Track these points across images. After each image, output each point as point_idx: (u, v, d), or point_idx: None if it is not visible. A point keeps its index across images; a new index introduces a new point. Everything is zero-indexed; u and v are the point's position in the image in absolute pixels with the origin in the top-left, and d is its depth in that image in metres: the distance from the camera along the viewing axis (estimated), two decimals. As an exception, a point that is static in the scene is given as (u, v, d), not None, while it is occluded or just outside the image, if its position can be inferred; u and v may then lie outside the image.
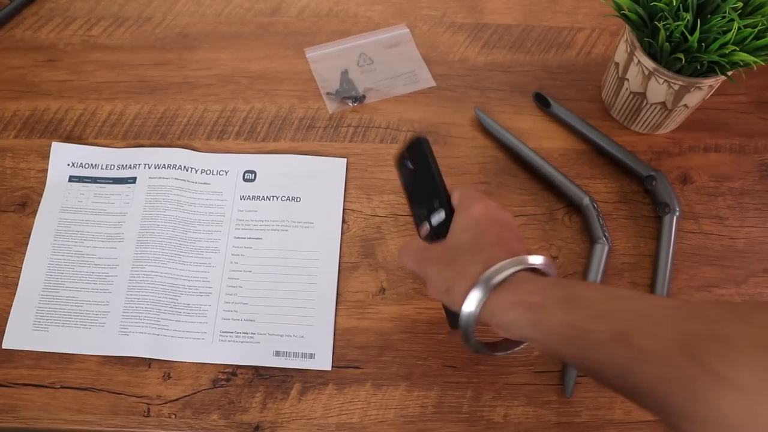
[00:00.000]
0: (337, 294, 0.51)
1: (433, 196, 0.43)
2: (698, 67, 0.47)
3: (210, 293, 0.51)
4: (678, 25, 0.45)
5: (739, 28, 0.44)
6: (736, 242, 0.53)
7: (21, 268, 0.52)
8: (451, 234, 0.39)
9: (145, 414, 0.47)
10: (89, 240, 0.53)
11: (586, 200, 0.53)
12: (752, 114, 0.59)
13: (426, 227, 0.43)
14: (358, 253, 0.53)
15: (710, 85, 0.50)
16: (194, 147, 0.57)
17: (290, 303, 0.51)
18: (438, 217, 0.42)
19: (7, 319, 0.50)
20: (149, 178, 0.55)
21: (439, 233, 0.41)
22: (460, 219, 0.40)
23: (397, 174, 0.46)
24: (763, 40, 0.45)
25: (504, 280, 0.35)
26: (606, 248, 0.51)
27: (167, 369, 0.49)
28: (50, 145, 0.57)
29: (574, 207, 0.54)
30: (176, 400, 0.47)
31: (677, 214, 0.52)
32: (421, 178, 0.44)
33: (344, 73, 0.61)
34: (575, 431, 0.47)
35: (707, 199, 0.55)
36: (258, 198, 0.55)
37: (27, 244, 0.53)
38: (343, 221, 0.53)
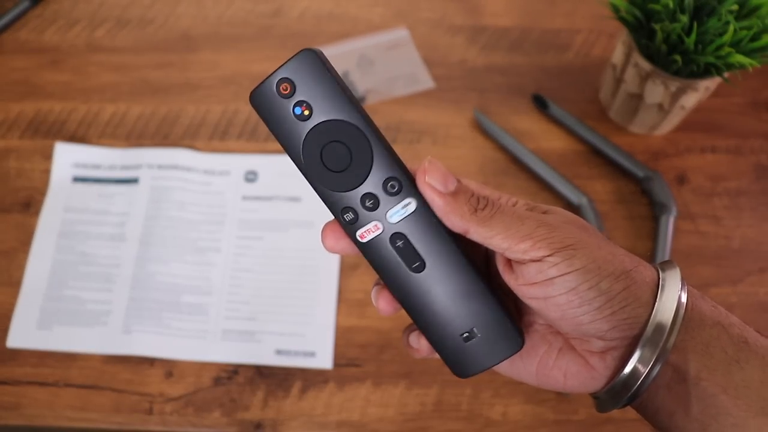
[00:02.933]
0: (338, 293, 0.52)
1: (377, 170, 0.26)
2: (695, 69, 0.48)
3: (212, 292, 0.52)
4: (675, 27, 0.46)
5: (735, 30, 0.45)
6: (732, 242, 0.53)
7: (25, 267, 0.52)
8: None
9: (148, 412, 0.47)
10: (92, 239, 0.53)
11: (583, 200, 0.53)
12: (748, 115, 0.59)
13: (372, 228, 0.27)
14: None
15: (707, 87, 0.51)
16: (196, 148, 0.58)
17: (291, 302, 0.51)
18: (401, 210, 0.26)
19: (11, 318, 0.50)
20: (152, 178, 0.56)
21: (405, 239, 0.27)
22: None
23: (267, 125, 0.26)
24: (758, 42, 0.46)
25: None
26: (603, 248, 0.52)
27: (169, 367, 0.49)
28: (54, 146, 0.57)
29: (572, 207, 0.54)
30: (178, 398, 0.48)
31: (674, 214, 0.53)
32: (339, 137, 0.26)
33: (344, 75, 0.62)
34: (573, 429, 0.47)
35: (703, 200, 0.55)
36: (259, 198, 0.55)
37: (31, 243, 0.53)
38: (344, 221, 0.54)
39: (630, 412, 0.48)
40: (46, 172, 0.57)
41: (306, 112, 0.26)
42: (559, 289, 0.25)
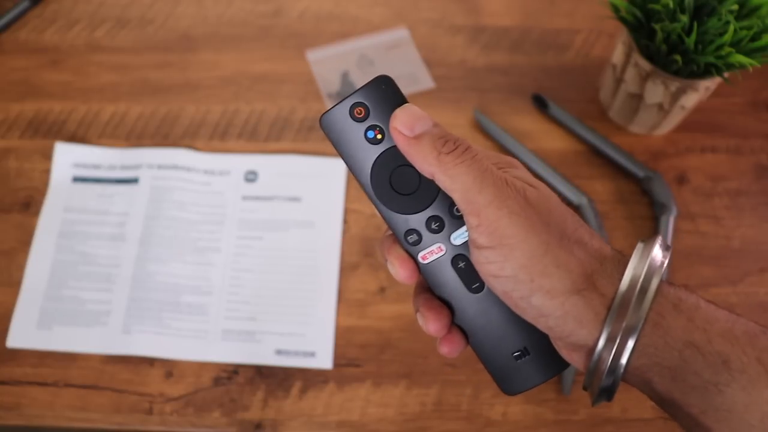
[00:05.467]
0: (338, 293, 0.52)
1: (443, 194, 0.27)
2: (695, 69, 0.48)
3: (212, 292, 0.52)
4: (675, 27, 0.46)
5: (735, 30, 0.45)
6: (732, 242, 0.53)
7: (25, 267, 0.52)
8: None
9: (148, 412, 0.47)
10: (92, 240, 0.53)
11: (583, 200, 0.53)
12: (748, 115, 0.59)
13: (435, 250, 0.27)
14: (358, 252, 0.53)
15: (707, 87, 0.51)
16: (196, 148, 0.58)
17: (291, 302, 0.51)
18: (465, 234, 0.27)
19: (11, 318, 0.50)
20: (152, 178, 0.56)
21: (466, 260, 0.27)
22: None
23: (336, 146, 0.28)
24: (758, 42, 0.46)
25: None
26: (604, 248, 0.52)
27: (169, 367, 0.49)
28: (54, 146, 0.57)
29: (572, 207, 0.54)
30: (178, 398, 0.48)
31: (674, 214, 0.53)
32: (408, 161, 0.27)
33: (345, 75, 0.62)
34: (573, 429, 0.47)
35: (704, 200, 0.55)
36: (259, 198, 0.55)
37: (31, 243, 0.53)
38: (344, 221, 0.54)
39: (630, 412, 0.48)
40: (46, 172, 0.57)
41: (379, 136, 0.27)
42: (495, 285, 0.25)
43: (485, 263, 0.25)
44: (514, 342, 0.28)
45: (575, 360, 0.26)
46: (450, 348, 0.28)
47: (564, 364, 0.28)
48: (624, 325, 0.23)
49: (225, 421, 0.47)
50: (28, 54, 0.63)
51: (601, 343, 0.24)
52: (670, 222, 0.53)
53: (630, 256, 0.25)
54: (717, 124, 0.59)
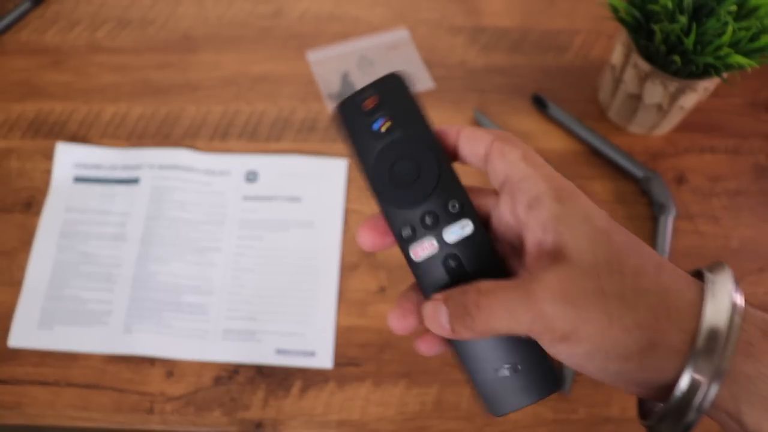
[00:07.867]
0: (338, 293, 0.52)
1: (441, 190, 0.27)
2: (694, 69, 0.48)
3: (212, 292, 0.52)
4: (674, 28, 0.46)
5: (734, 30, 0.45)
6: (730, 242, 0.54)
7: (26, 267, 0.52)
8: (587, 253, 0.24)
9: (149, 411, 0.48)
10: (93, 239, 0.54)
11: (583, 200, 0.53)
12: (747, 115, 0.59)
13: (427, 246, 0.27)
14: (358, 252, 0.53)
15: (705, 87, 0.51)
16: (197, 148, 0.58)
17: (291, 302, 0.51)
18: (458, 231, 0.27)
19: (13, 318, 0.51)
20: (153, 178, 0.56)
21: (458, 261, 0.27)
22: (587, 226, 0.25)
23: (343, 137, 0.28)
24: (757, 42, 0.46)
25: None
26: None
27: (170, 367, 0.49)
28: (55, 146, 0.57)
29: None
30: (179, 397, 0.48)
31: (673, 214, 0.53)
32: (410, 155, 0.27)
33: (345, 75, 0.62)
34: (573, 428, 0.47)
35: (702, 200, 0.55)
36: (260, 198, 0.55)
37: (32, 243, 0.53)
38: (344, 221, 0.54)
39: (630, 412, 0.48)
40: (48, 172, 0.57)
41: (383, 129, 0.27)
42: (566, 362, 0.25)
43: (554, 352, 0.25)
44: (503, 356, 0.27)
45: (643, 393, 0.26)
46: (425, 347, 0.28)
47: (557, 386, 0.27)
48: (713, 365, 0.23)
49: (225, 420, 0.47)
50: (30, 54, 0.63)
51: (686, 382, 0.23)
52: (669, 222, 0.53)
53: (702, 285, 0.25)
54: (716, 125, 0.59)
